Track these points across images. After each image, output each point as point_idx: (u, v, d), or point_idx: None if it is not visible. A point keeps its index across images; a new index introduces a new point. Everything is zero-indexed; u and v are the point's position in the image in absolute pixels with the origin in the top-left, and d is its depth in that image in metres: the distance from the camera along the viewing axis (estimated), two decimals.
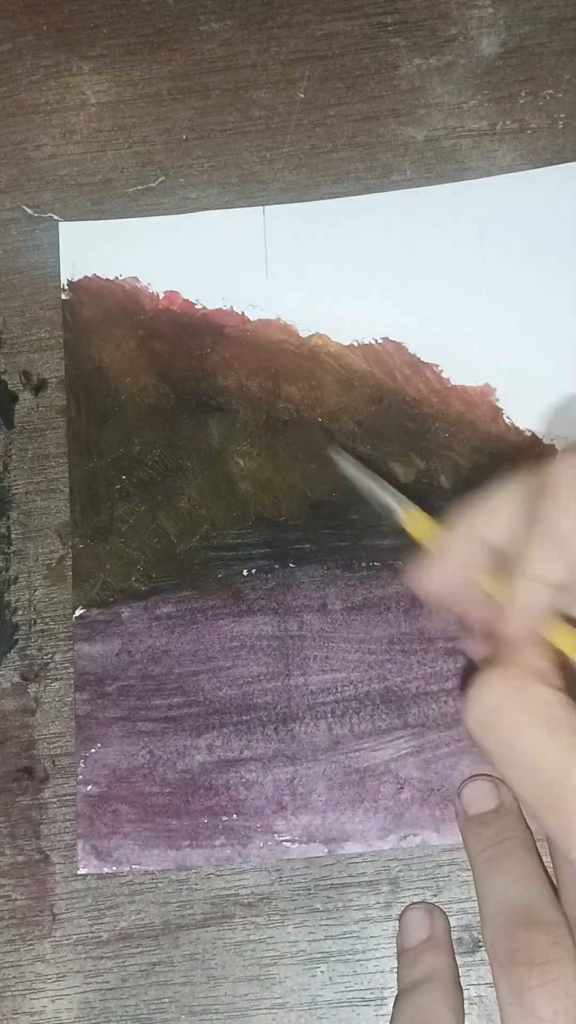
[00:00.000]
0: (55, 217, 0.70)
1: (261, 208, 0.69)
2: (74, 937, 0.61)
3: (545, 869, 0.56)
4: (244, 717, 0.62)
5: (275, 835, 0.61)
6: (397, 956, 0.58)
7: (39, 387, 0.68)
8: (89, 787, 0.62)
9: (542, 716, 0.45)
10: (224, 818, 0.61)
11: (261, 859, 0.60)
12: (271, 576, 0.64)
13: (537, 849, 0.57)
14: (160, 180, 0.70)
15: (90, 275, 0.69)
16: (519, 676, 0.47)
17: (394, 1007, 0.55)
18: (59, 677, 0.64)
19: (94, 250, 0.69)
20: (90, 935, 0.61)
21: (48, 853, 0.62)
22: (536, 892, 0.54)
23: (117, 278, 0.69)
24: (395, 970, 0.59)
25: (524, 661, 0.48)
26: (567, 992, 0.50)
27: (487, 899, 0.54)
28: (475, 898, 0.57)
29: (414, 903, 0.60)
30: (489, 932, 0.53)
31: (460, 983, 0.56)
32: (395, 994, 0.58)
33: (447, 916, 0.59)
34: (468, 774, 0.60)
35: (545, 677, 0.47)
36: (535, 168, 0.68)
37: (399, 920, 0.59)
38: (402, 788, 0.61)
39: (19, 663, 0.65)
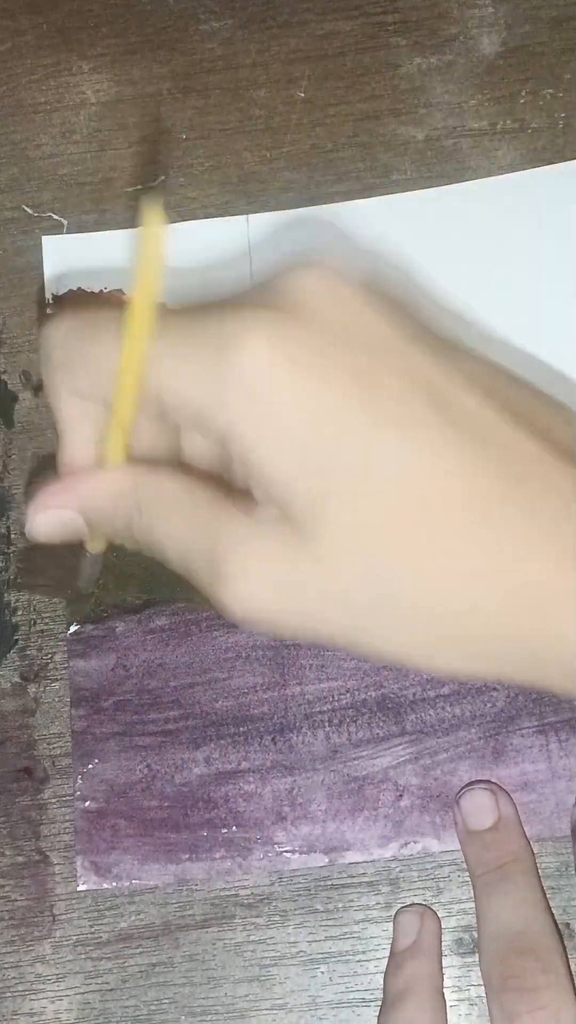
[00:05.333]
0: (55, 216, 0.67)
1: (245, 217, 0.66)
2: (74, 938, 0.59)
3: (543, 891, 0.55)
4: (241, 728, 0.60)
5: (275, 846, 0.59)
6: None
7: (39, 387, 0.65)
8: (87, 803, 0.60)
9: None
10: (224, 830, 0.59)
11: (262, 870, 0.59)
12: None
13: (536, 868, 0.56)
14: (160, 180, 0.67)
15: (74, 289, 0.66)
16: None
17: (379, 1017, 0.55)
18: (59, 677, 0.62)
19: (78, 264, 0.66)
20: (90, 936, 0.59)
21: (48, 854, 0.60)
22: (531, 919, 0.53)
23: (102, 291, 0.66)
24: None
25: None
26: (557, 1018, 0.50)
27: (483, 924, 0.54)
28: (474, 898, 0.56)
29: (407, 905, 0.58)
30: (484, 958, 0.53)
31: (442, 991, 0.55)
32: None
33: (438, 919, 0.57)
34: (467, 779, 0.59)
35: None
36: (534, 168, 0.65)
37: (393, 922, 0.58)
38: (401, 795, 0.59)
39: (19, 663, 0.62)
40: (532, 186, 0.65)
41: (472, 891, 0.56)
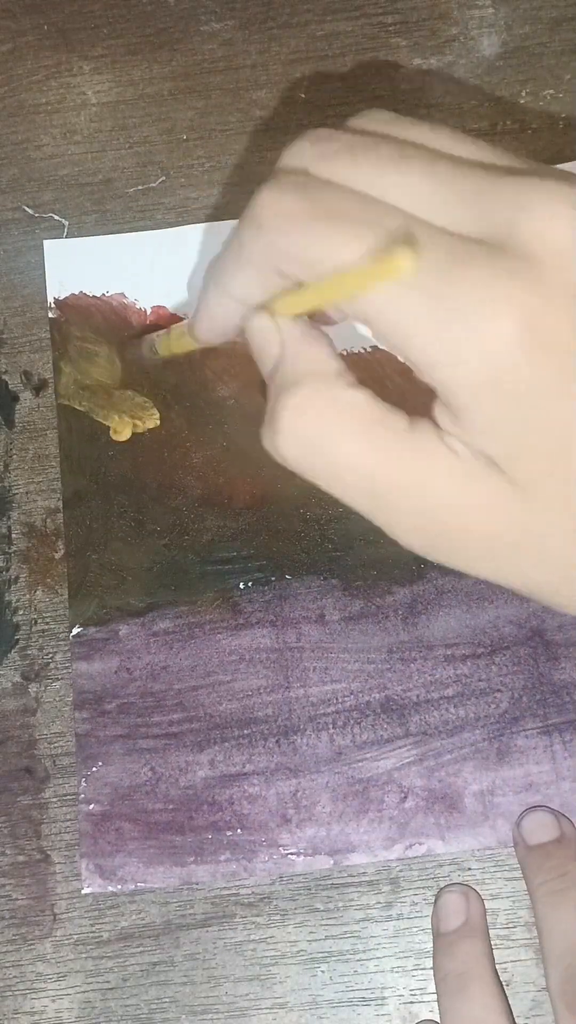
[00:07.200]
0: (56, 217, 0.66)
1: None
2: (75, 937, 0.58)
3: None
4: (245, 731, 0.59)
5: (280, 848, 0.58)
6: (433, 938, 0.56)
7: (40, 387, 0.64)
8: (91, 806, 0.59)
9: (358, 424, 0.39)
10: (228, 833, 0.58)
11: (267, 873, 0.58)
12: (268, 588, 0.61)
13: None
14: (161, 180, 0.66)
15: (76, 292, 0.65)
16: (322, 389, 0.40)
17: (442, 1002, 0.53)
18: (60, 677, 0.61)
19: (80, 267, 0.65)
20: (91, 935, 0.58)
21: (49, 853, 0.59)
22: None
23: (104, 295, 0.65)
24: (398, 969, 0.57)
25: (313, 368, 0.41)
26: None
27: (551, 936, 0.53)
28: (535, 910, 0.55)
29: (450, 884, 0.57)
30: (555, 973, 0.52)
31: (498, 973, 0.54)
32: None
33: (482, 899, 0.56)
34: (472, 781, 0.58)
35: (337, 376, 0.41)
36: None
37: (435, 901, 0.57)
38: (406, 797, 0.58)
39: (20, 663, 0.61)
40: None
41: (532, 910, 0.55)
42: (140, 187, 0.66)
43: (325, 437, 0.39)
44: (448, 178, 0.37)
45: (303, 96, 0.66)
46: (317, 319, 0.45)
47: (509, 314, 0.33)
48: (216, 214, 0.65)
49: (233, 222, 0.63)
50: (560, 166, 0.62)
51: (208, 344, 0.48)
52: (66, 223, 0.65)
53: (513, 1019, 0.52)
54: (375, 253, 0.35)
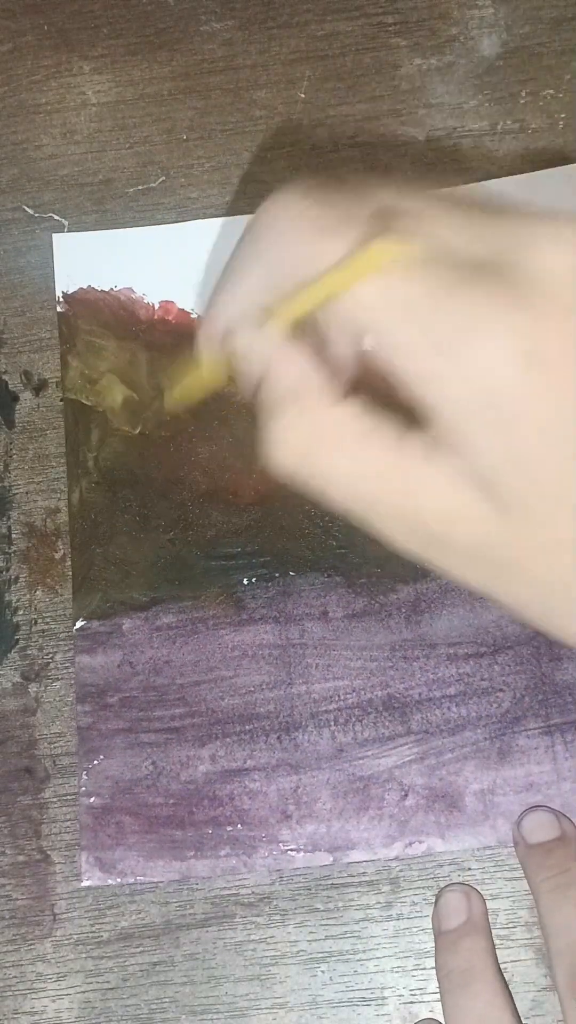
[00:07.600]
0: (56, 217, 0.66)
1: (251, 217, 0.62)
2: (75, 937, 0.58)
3: None
4: (247, 727, 0.59)
5: (280, 844, 0.58)
6: (435, 937, 0.56)
7: (40, 387, 0.64)
8: (92, 799, 0.59)
9: (345, 439, 0.39)
10: (229, 828, 0.58)
11: (267, 868, 0.58)
12: (271, 584, 0.61)
13: None
14: (161, 180, 0.66)
15: (85, 287, 0.65)
16: (307, 409, 0.40)
17: (445, 999, 0.53)
18: (60, 677, 0.61)
19: (88, 261, 0.65)
20: (91, 935, 0.58)
21: (49, 853, 0.59)
22: None
23: (112, 289, 0.65)
24: (398, 969, 0.56)
25: (297, 387, 0.41)
26: None
27: (555, 933, 0.53)
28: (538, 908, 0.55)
29: (450, 884, 0.57)
30: (561, 970, 0.52)
31: (501, 969, 0.54)
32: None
33: (483, 898, 0.56)
34: (473, 780, 0.58)
35: (321, 393, 0.41)
36: (536, 169, 0.64)
37: (435, 901, 0.57)
38: (406, 795, 0.58)
39: (20, 663, 0.61)
40: (533, 189, 0.63)
41: (536, 909, 0.55)
42: (140, 187, 0.65)
43: (313, 453, 0.39)
44: (462, 218, 0.37)
45: (303, 96, 0.66)
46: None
47: (506, 334, 0.33)
48: (216, 214, 0.65)
49: (246, 217, 0.63)
50: (560, 168, 0.63)
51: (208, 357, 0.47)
52: (66, 223, 0.65)
53: (518, 1015, 0.52)
54: (361, 245, 0.36)
